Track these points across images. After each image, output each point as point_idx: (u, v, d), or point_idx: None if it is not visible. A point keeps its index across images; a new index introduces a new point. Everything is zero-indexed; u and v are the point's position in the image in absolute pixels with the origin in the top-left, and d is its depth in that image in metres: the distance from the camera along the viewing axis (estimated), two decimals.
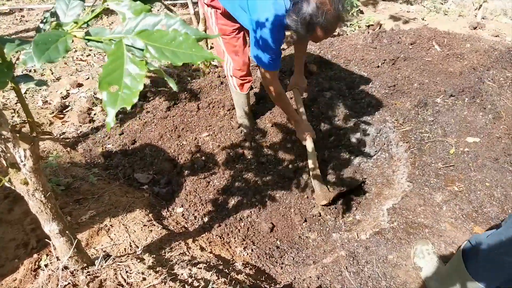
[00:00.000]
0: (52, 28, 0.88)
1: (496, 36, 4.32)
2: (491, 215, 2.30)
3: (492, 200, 2.37)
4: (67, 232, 1.49)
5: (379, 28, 4.53)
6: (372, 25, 4.68)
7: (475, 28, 4.48)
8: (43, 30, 0.99)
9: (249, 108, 2.93)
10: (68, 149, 2.87)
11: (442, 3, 5.21)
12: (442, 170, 2.59)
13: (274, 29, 2.05)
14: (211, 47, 4.46)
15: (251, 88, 2.89)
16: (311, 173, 2.57)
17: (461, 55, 3.79)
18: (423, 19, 4.80)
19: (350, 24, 4.75)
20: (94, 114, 3.42)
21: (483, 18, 4.74)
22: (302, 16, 1.94)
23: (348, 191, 2.65)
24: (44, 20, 0.98)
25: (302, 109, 2.80)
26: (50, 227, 1.45)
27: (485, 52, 3.80)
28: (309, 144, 2.60)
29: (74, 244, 1.51)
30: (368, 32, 4.38)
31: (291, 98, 3.00)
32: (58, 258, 1.68)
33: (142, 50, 0.82)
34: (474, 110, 3.04)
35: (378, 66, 3.70)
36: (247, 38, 2.61)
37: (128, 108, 0.74)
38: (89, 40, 0.88)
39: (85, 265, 1.62)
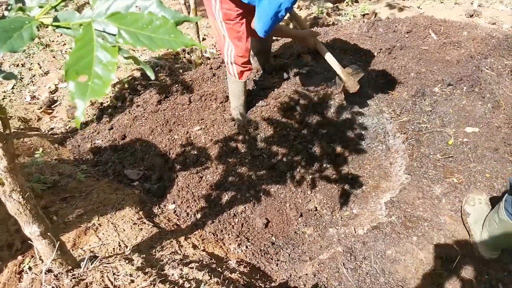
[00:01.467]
0: (15, 13, 0.79)
1: (493, 24, 4.24)
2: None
3: (493, 192, 2.31)
4: (49, 234, 1.42)
5: (375, 17, 4.44)
6: (367, 14, 4.59)
7: (471, 16, 4.39)
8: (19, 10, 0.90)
9: (245, 99, 2.86)
10: (56, 145, 2.79)
11: None
12: (440, 161, 2.52)
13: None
14: (204, 39, 4.36)
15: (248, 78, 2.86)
16: (334, 68, 2.77)
17: (458, 43, 3.71)
18: (419, 7, 4.71)
19: (345, 13, 4.66)
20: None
21: (479, 5, 4.66)
22: None
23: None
24: (9, 8, 0.89)
25: (301, 21, 2.91)
26: (31, 230, 1.37)
27: (482, 40, 3.72)
28: (319, 45, 2.79)
29: (57, 246, 1.44)
30: (364, 21, 4.29)
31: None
32: (42, 260, 1.60)
33: (115, 35, 0.74)
34: (472, 99, 2.97)
35: (374, 56, 3.61)
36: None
37: (99, 99, 0.66)
38: (57, 26, 0.80)
39: (70, 267, 1.55)
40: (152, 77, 0.77)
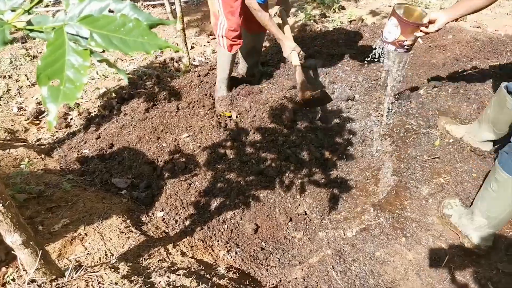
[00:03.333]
0: None
1: (478, 27, 4.30)
2: None
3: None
4: (31, 243, 1.40)
5: (361, 23, 4.49)
6: (354, 20, 4.64)
7: (456, 19, 4.45)
8: None
9: (230, 73, 3.08)
10: (43, 155, 2.76)
11: None
12: (427, 162, 2.54)
13: None
14: (192, 47, 4.37)
15: (237, 51, 3.04)
16: (297, 77, 2.85)
17: (444, 47, 3.76)
18: None
19: (332, 20, 4.70)
20: (71, 119, 3.31)
21: None
22: None
23: (325, 100, 2.92)
24: None
25: (287, 29, 2.98)
26: (12, 239, 1.35)
27: (467, 43, 3.78)
28: (294, 58, 2.86)
29: (40, 255, 1.42)
30: (350, 27, 4.34)
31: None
32: (26, 271, 1.58)
33: (87, 38, 0.73)
34: (458, 100, 3.00)
35: (361, 61, 3.64)
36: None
37: (71, 104, 0.66)
38: (30, 30, 0.79)
39: (54, 277, 1.52)
40: (126, 81, 0.77)
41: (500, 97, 2.28)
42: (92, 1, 0.77)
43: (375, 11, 4.82)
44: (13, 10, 0.82)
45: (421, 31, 2.25)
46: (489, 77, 3.21)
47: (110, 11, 0.78)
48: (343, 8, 4.99)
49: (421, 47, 3.78)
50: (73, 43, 0.71)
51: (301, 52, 2.91)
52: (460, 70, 3.36)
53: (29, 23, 0.79)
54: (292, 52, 2.85)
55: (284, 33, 2.93)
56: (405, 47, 2.31)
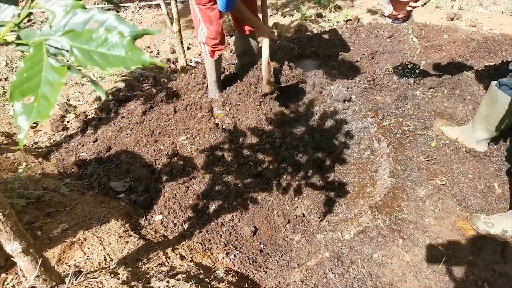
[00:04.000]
0: None
1: (473, 27, 4.32)
2: (475, 208, 2.27)
3: (476, 192, 2.34)
4: (31, 250, 1.40)
5: (357, 23, 4.50)
6: (350, 20, 4.65)
7: (452, 19, 4.47)
8: None
9: (218, 75, 3.13)
10: (40, 159, 2.76)
11: None
12: (424, 164, 2.55)
13: None
14: (188, 48, 4.37)
15: (221, 56, 3.11)
16: (262, 66, 2.93)
17: (439, 47, 3.78)
18: None
19: (328, 20, 4.71)
20: (68, 122, 3.30)
21: (459, 9, 4.75)
22: None
23: (294, 84, 3.05)
24: None
25: (266, 13, 3.02)
26: (12, 247, 1.35)
27: (463, 42, 3.80)
28: (264, 47, 2.91)
29: (40, 262, 1.42)
30: (346, 27, 4.35)
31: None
32: (26, 278, 1.58)
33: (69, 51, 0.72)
34: (454, 101, 3.02)
35: (357, 61, 3.66)
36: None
37: (43, 122, 0.65)
38: (17, 44, 0.78)
39: (54, 283, 1.53)
40: (103, 98, 0.76)
41: (491, 93, 2.36)
42: (78, 13, 0.76)
43: (371, 10, 4.83)
44: (1, 25, 0.81)
45: (410, 6, 2.50)
46: (485, 77, 3.23)
47: None
48: (339, 7, 5.00)
49: (417, 47, 3.79)
50: (52, 59, 0.70)
51: (272, 37, 2.98)
52: (455, 70, 3.38)
53: (18, 37, 0.79)
54: (264, 39, 2.90)
55: (263, 16, 3.00)
56: (400, 19, 2.62)
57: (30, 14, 0.81)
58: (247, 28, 3.13)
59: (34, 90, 0.65)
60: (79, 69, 0.73)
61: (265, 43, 2.91)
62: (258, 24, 2.88)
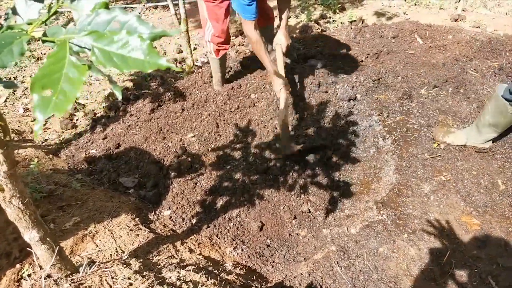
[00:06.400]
0: (4, 29, 0.81)
1: (477, 27, 4.35)
2: (479, 204, 2.30)
3: (480, 188, 2.38)
4: (48, 239, 1.45)
5: (362, 24, 4.54)
6: (354, 20, 4.69)
7: (456, 20, 4.51)
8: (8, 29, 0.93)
9: (223, 74, 3.22)
10: (51, 156, 2.81)
11: None
12: (428, 160, 2.59)
13: None
14: (195, 48, 4.42)
15: (226, 55, 3.16)
16: (279, 124, 2.68)
17: (444, 47, 3.81)
18: (404, 13, 4.83)
19: (333, 21, 4.75)
20: (77, 120, 3.36)
21: (463, 10, 4.78)
22: None
23: (314, 148, 2.79)
24: (7, 17, 0.93)
25: (281, 65, 2.86)
26: (30, 235, 1.40)
27: (467, 43, 3.83)
28: (282, 97, 2.70)
29: (56, 251, 1.47)
30: (351, 28, 4.39)
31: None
32: (41, 267, 1.63)
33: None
34: (458, 100, 3.05)
35: (362, 61, 3.70)
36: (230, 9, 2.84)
37: (60, 115, 0.68)
38: (44, 41, 0.82)
39: (69, 272, 1.58)
40: (120, 97, 0.79)
41: (499, 105, 2.36)
42: (101, 12, 0.80)
43: (376, 11, 4.88)
44: (29, 24, 0.85)
45: None
46: (489, 77, 3.26)
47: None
48: (344, 9, 5.04)
49: (421, 47, 3.83)
50: (74, 57, 0.72)
51: (289, 90, 2.80)
52: (460, 70, 3.41)
53: (44, 34, 0.82)
54: (281, 89, 2.71)
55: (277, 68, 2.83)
56: None
57: (56, 12, 0.85)
58: (262, 21, 2.99)
59: (54, 85, 0.67)
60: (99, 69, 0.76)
61: (282, 97, 2.70)
62: (272, 75, 2.74)
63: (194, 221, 2.41)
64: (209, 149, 2.80)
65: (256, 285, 1.95)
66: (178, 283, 1.67)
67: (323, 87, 3.25)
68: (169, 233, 2.25)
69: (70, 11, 5.34)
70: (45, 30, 0.83)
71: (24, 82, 3.90)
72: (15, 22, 0.88)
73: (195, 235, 2.31)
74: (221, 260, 2.16)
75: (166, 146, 2.83)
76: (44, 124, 3.36)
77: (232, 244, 2.31)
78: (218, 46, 2.93)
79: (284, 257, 2.25)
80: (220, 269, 2.00)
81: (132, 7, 5.62)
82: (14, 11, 0.89)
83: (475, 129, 2.58)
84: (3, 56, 0.72)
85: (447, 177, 2.45)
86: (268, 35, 3.29)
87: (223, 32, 2.86)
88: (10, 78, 3.95)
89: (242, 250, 2.27)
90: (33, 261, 1.75)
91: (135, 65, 0.71)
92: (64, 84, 0.69)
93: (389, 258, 2.06)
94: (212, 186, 2.59)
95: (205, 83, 3.40)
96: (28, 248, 1.53)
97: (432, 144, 2.71)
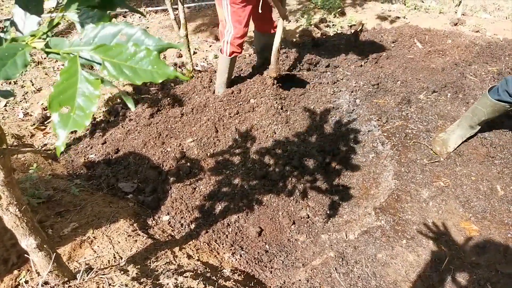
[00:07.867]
0: (8, 42, 0.82)
1: (477, 32, 4.36)
2: (478, 209, 2.30)
3: (479, 194, 2.37)
4: (45, 246, 1.45)
5: (361, 28, 4.55)
6: (354, 25, 4.70)
7: (455, 24, 4.52)
8: (4, 40, 0.93)
9: (229, 77, 3.24)
10: (50, 161, 2.82)
11: (422, 1, 5.26)
12: (427, 166, 2.59)
13: None
14: (195, 52, 4.43)
15: (236, 58, 3.23)
16: (273, 51, 3.07)
17: (443, 51, 3.82)
18: (404, 18, 4.84)
19: (333, 25, 4.76)
20: None
21: (463, 14, 4.79)
22: None
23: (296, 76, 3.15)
24: (5, 30, 0.94)
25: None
26: (27, 242, 1.40)
27: (466, 47, 3.83)
28: (279, 27, 3.05)
29: (53, 258, 1.47)
30: (351, 32, 4.40)
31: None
32: (38, 274, 1.63)
33: (100, 64, 0.77)
34: (457, 105, 3.05)
35: (361, 65, 3.70)
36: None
37: (80, 131, 0.69)
38: (47, 52, 0.82)
39: (66, 279, 1.58)
40: (133, 109, 0.80)
41: (495, 106, 2.47)
42: (106, 25, 0.80)
43: (376, 15, 4.89)
44: (32, 35, 0.85)
45: None
46: (487, 82, 3.26)
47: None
48: (344, 13, 5.05)
49: (421, 51, 3.83)
50: (86, 72, 0.73)
51: (287, 18, 3.16)
52: (459, 75, 3.41)
53: (47, 45, 0.83)
54: (279, 20, 3.04)
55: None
56: None
57: (58, 24, 0.85)
58: (268, 27, 3.29)
59: (70, 101, 0.68)
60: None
61: (279, 27, 3.03)
62: (279, 5, 3.00)
63: (192, 226, 2.41)
64: (208, 154, 2.80)
65: None
66: None
67: (321, 91, 3.26)
68: (167, 239, 2.25)
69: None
70: (47, 41, 0.83)
71: (24, 86, 3.90)
72: (15, 34, 0.88)
73: (193, 240, 2.31)
74: (220, 265, 2.16)
75: (165, 151, 2.83)
76: (44, 129, 3.37)
77: (231, 249, 2.30)
78: (236, 48, 3.03)
79: (283, 262, 2.24)
80: (218, 275, 2.00)
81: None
82: (12, 23, 0.89)
83: (467, 128, 2.68)
84: (7, 68, 0.72)
85: (446, 182, 2.45)
86: (272, 40, 3.33)
87: (244, 34, 2.97)
88: (10, 83, 3.95)
89: (241, 255, 2.27)
90: (31, 267, 1.76)
91: (146, 76, 0.71)
92: (79, 99, 0.70)
93: (387, 265, 2.05)
94: (211, 191, 2.59)
95: (204, 87, 3.40)
96: (25, 255, 1.53)
97: (430, 149, 2.70)
